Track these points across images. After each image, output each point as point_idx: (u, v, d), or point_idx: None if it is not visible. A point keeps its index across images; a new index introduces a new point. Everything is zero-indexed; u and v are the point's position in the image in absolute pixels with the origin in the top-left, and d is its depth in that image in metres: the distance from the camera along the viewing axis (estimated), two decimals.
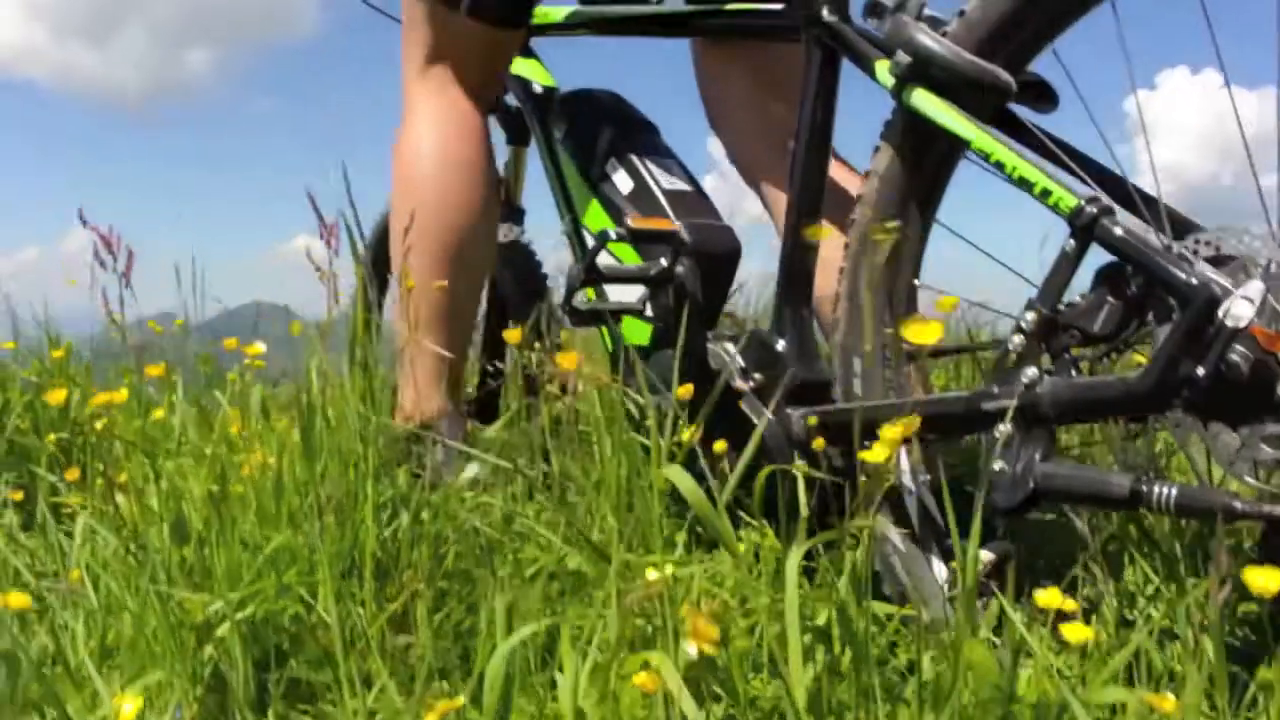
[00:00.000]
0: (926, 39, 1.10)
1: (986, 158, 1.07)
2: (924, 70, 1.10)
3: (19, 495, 1.58)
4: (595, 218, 1.60)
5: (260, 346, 1.47)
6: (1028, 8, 1.08)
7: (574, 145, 1.66)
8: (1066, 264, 1.03)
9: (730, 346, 1.35)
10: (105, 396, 1.36)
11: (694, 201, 1.55)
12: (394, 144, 1.61)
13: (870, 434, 0.88)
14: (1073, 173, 1.13)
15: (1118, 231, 0.98)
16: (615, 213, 1.55)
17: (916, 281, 1.19)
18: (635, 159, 1.57)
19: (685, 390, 1.19)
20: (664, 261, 1.37)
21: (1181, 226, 1.07)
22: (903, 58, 1.12)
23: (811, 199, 1.26)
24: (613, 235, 1.38)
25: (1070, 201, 1.01)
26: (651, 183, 1.53)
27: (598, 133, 1.62)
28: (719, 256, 1.47)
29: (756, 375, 1.29)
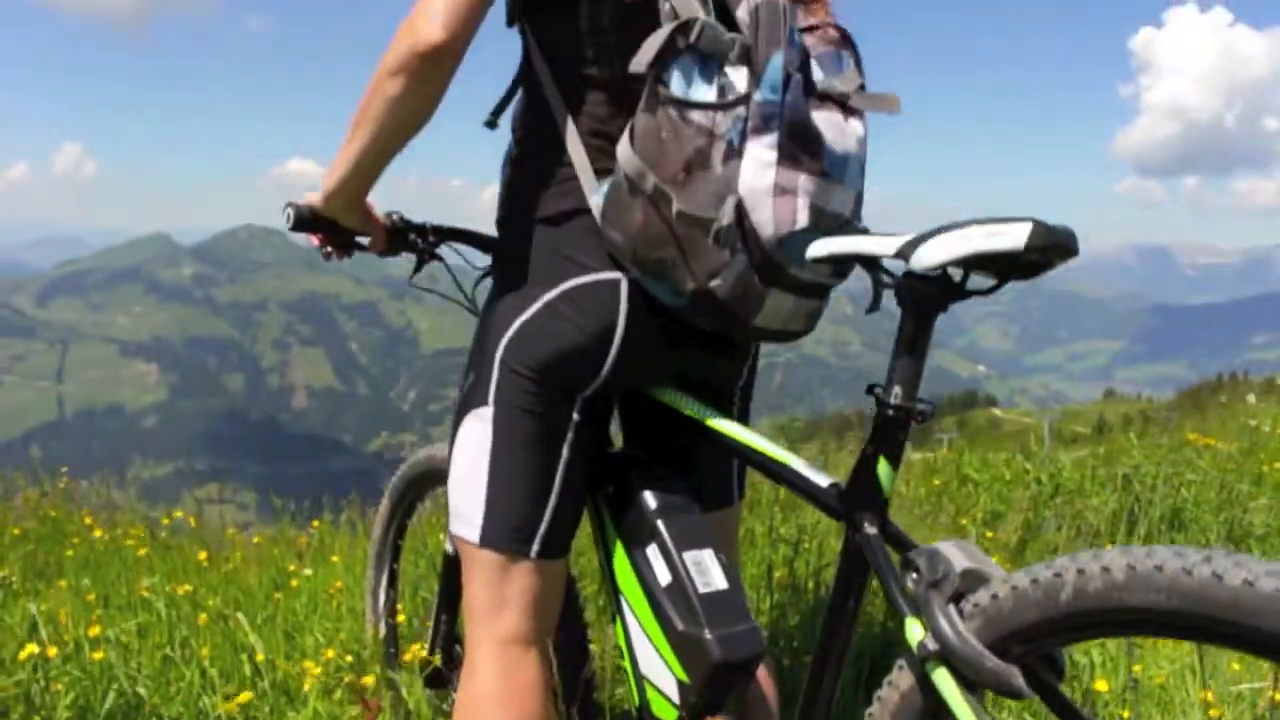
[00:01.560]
0: (952, 634, 1.20)
1: None
2: (946, 658, 1.20)
3: None
4: (635, 598, 1.66)
5: None
6: (1050, 623, 1.15)
7: (615, 511, 1.70)
8: None
9: None
10: None
11: (728, 604, 1.58)
12: (458, 695, 1.64)
13: None
14: None
15: None
16: (656, 606, 1.60)
17: None
18: (673, 549, 1.60)
19: None
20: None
21: None
22: (930, 641, 1.22)
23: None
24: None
25: None
26: (688, 582, 1.57)
27: (642, 507, 1.65)
28: (739, 665, 1.55)
29: None
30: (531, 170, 1.62)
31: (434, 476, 2.46)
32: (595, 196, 1.53)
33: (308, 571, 3.77)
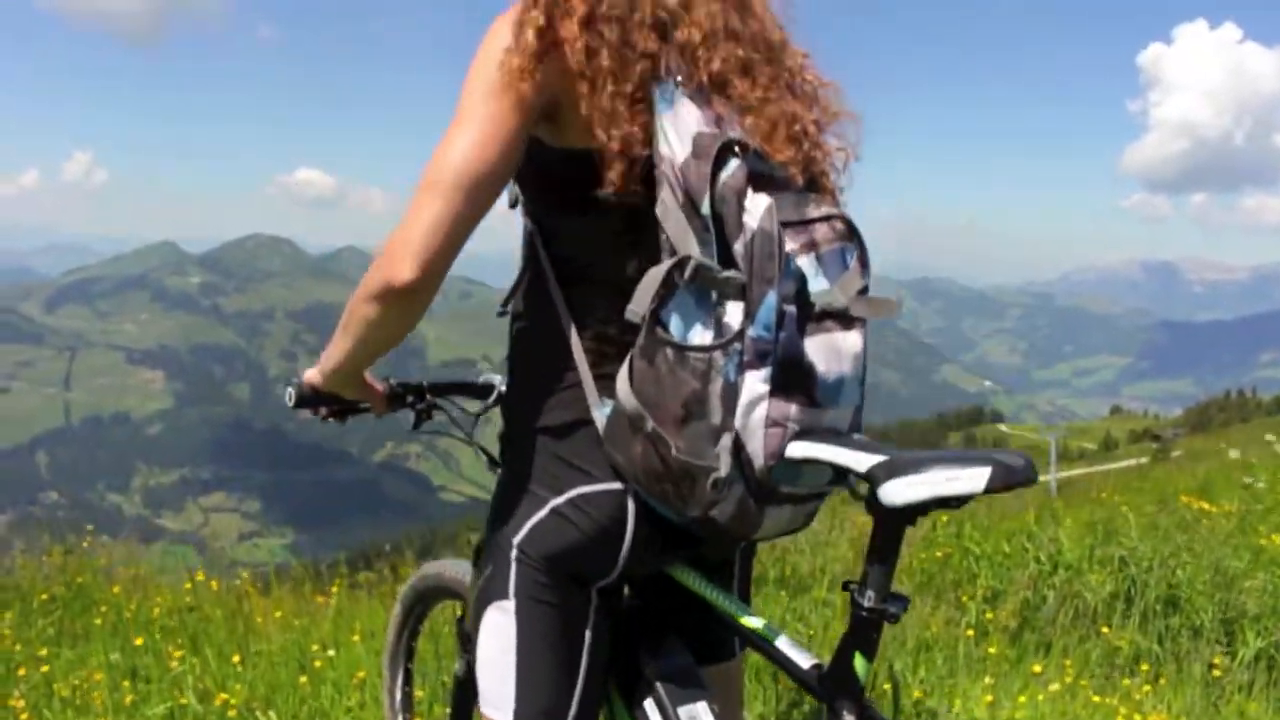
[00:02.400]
0: None
1: None
2: None
3: None
4: None
5: None
6: None
7: (614, 666, 1.74)
8: None
9: None
10: None
11: None
12: None
13: None
14: None
15: None
16: None
17: None
18: (669, 704, 1.67)
19: None
20: None
21: None
22: None
23: None
24: None
25: None
26: None
27: (640, 662, 1.72)
28: None
29: None
30: (535, 373, 1.67)
31: (442, 592, 2.54)
32: (598, 412, 1.57)
33: (330, 653, 3.91)
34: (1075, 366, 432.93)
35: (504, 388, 1.93)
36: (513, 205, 1.66)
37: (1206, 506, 5.59)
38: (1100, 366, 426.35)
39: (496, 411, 2.01)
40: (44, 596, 4.90)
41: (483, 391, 2.11)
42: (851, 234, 1.46)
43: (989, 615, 4.38)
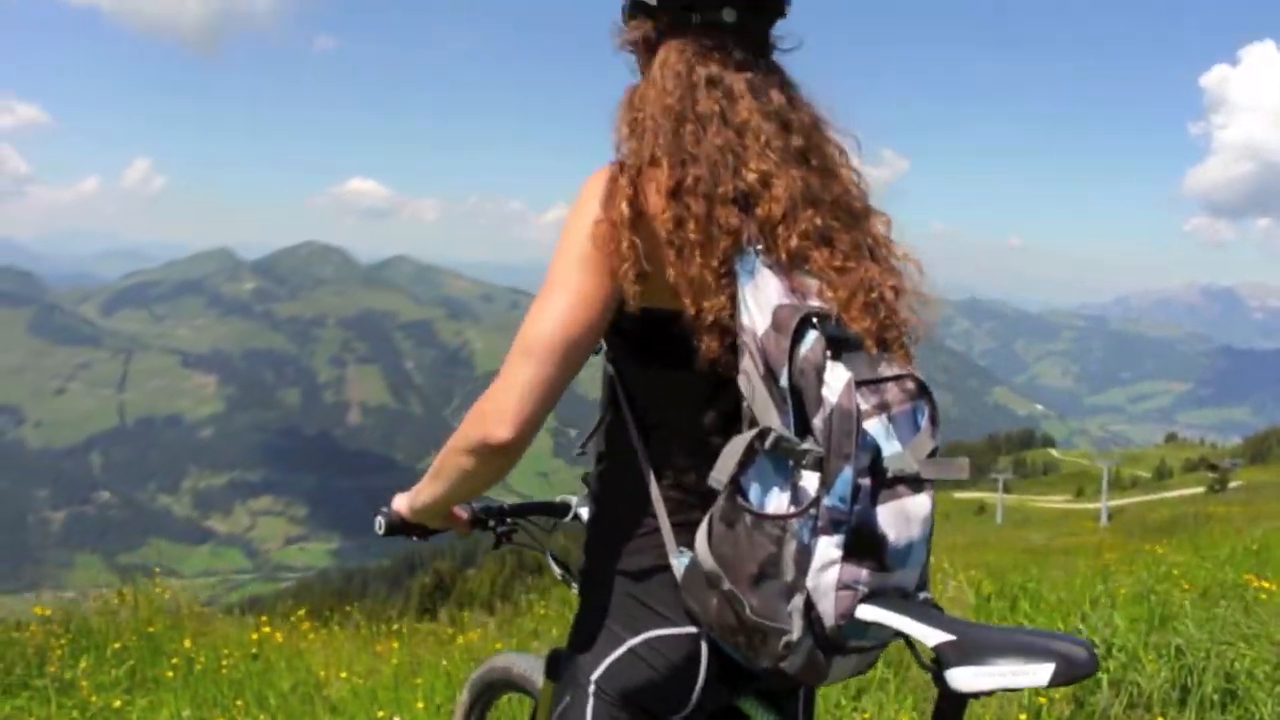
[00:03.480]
0: None
1: None
2: None
3: None
4: None
5: None
6: None
7: None
8: None
9: None
10: None
11: None
12: None
13: None
14: None
15: None
16: None
17: None
18: None
19: None
20: None
21: None
22: None
23: None
24: None
25: None
26: None
27: None
28: None
29: None
30: (615, 516, 1.73)
31: (509, 685, 2.61)
32: (676, 560, 1.62)
33: None
34: (1130, 392, 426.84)
35: (580, 509, 2.08)
36: (595, 352, 1.68)
37: (1266, 586, 5.54)
38: (1156, 392, 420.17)
39: (568, 524, 2.19)
40: (117, 645, 5.03)
41: (559, 510, 2.22)
42: (922, 392, 1.49)
43: (1042, 700, 4.39)
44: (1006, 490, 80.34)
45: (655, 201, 1.57)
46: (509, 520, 2.18)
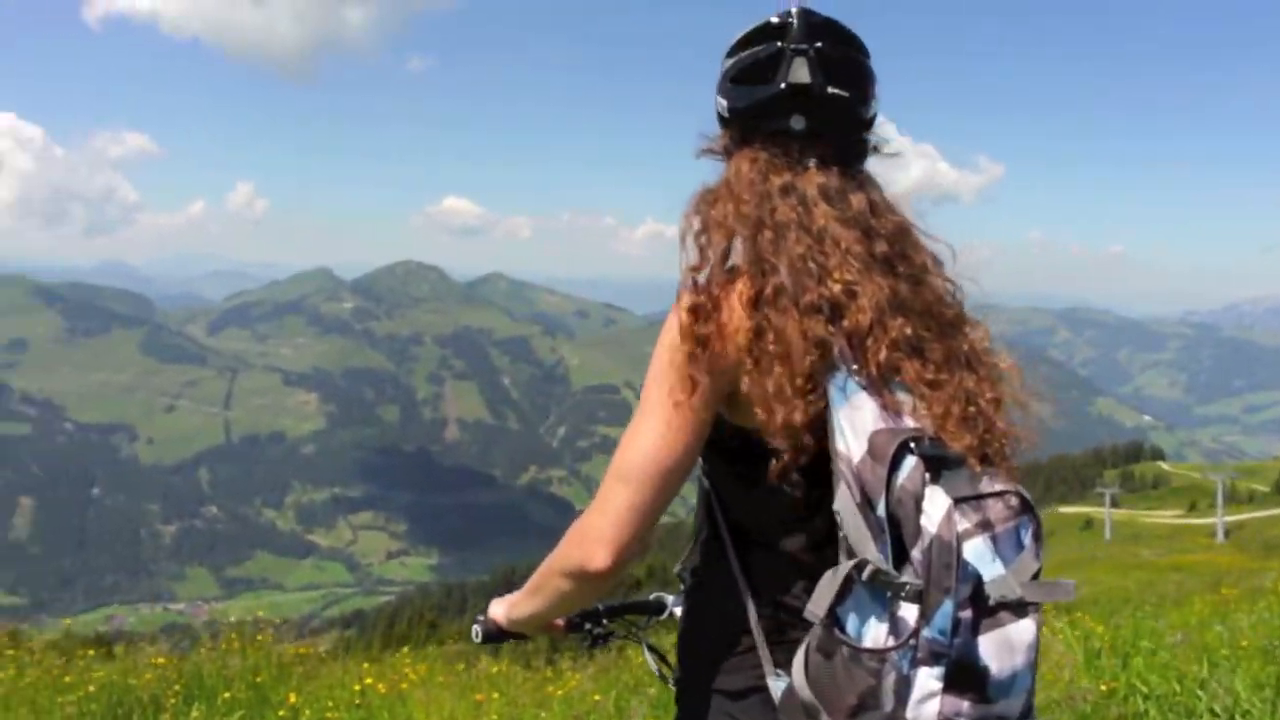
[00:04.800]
0: None
1: None
2: None
3: None
4: None
5: None
6: None
7: None
8: None
9: None
10: None
11: None
12: None
13: None
14: None
15: None
16: None
17: None
18: None
19: None
20: None
21: None
22: None
23: None
24: None
25: None
26: None
27: None
28: None
29: None
30: (712, 634, 1.70)
31: None
32: (773, 681, 1.60)
33: None
34: (1244, 402, 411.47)
35: (675, 607, 2.09)
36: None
37: None
38: (1273, 402, 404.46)
39: (663, 620, 2.19)
40: (226, 695, 5.17)
41: (655, 609, 2.20)
42: (1026, 508, 1.44)
43: None
44: (1114, 505, 78.07)
45: (736, 314, 1.55)
46: (604, 622, 2.16)
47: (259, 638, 6.05)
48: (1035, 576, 1.42)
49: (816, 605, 1.40)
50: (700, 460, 1.67)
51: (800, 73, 1.62)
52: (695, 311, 1.55)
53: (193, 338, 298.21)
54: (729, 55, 1.70)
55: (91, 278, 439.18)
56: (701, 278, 1.60)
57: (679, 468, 1.57)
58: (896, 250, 1.62)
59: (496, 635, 1.95)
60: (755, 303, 1.54)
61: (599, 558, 1.55)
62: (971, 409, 1.51)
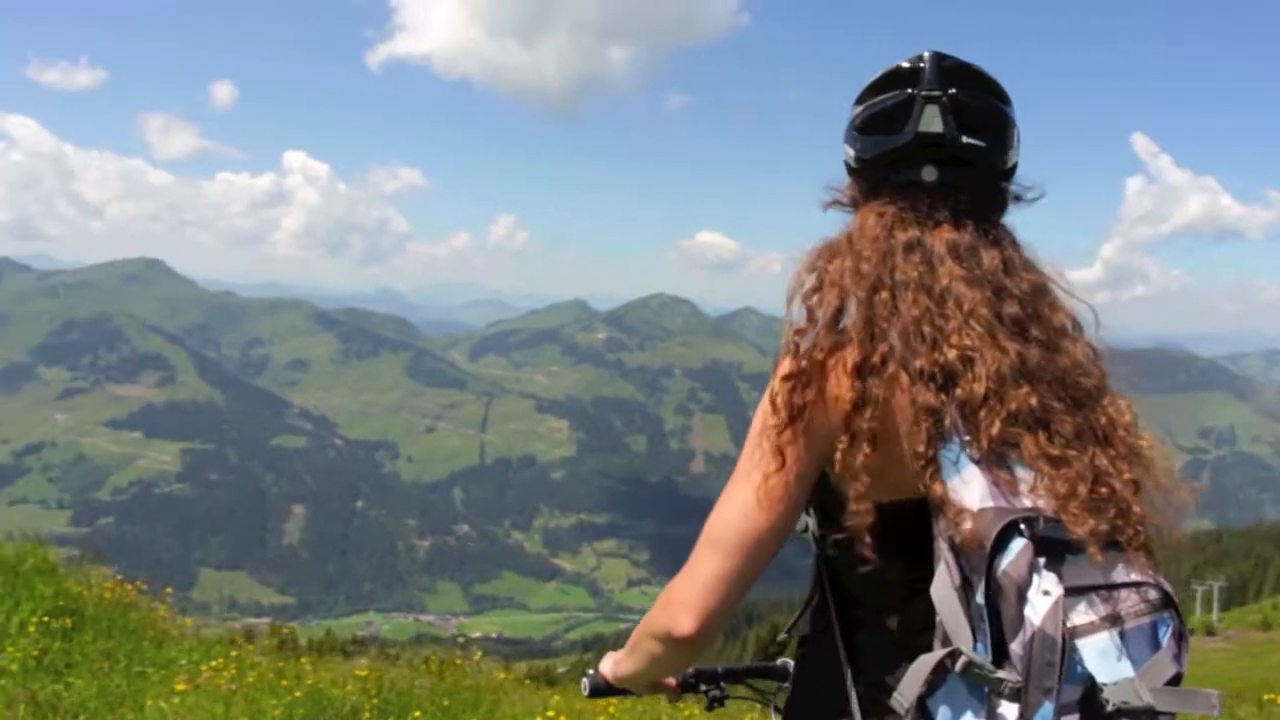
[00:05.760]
0: None
1: None
2: None
3: None
4: None
5: None
6: None
7: None
8: None
9: None
10: None
11: None
12: None
13: None
14: None
15: None
16: None
17: None
18: None
19: None
20: None
21: None
22: None
23: None
24: None
25: None
26: None
27: None
28: None
29: None
30: (812, 705, 1.66)
31: None
32: None
33: None
34: None
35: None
36: (802, 532, 1.63)
37: None
38: None
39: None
40: (417, 714, 5.51)
41: (779, 674, 2.13)
42: (1167, 603, 1.28)
43: None
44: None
45: (841, 382, 1.48)
46: (723, 685, 2.09)
47: (457, 661, 6.68)
48: (1174, 682, 1.25)
49: (904, 694, 1.33)
50: (809, 522, 1.63)
51: (932, 121, 1.53)
52: (793, 380, 1.50)
53: (454, 363, 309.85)
54: (857, 102, 1.62)
55: (365, 303, 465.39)
56: (806, 342, 1.53)
57: (768, 538, 1.51)
58: (1030, 312, 1.50)
59: (604, 690, 1.92)
60: (860, 371, 1.46)
61: (684, 623, 1.51)
62: (1103, 489, 1.36)
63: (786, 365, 1.51)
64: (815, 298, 1.55)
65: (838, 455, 1.46)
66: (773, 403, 1.50)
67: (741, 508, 1.50)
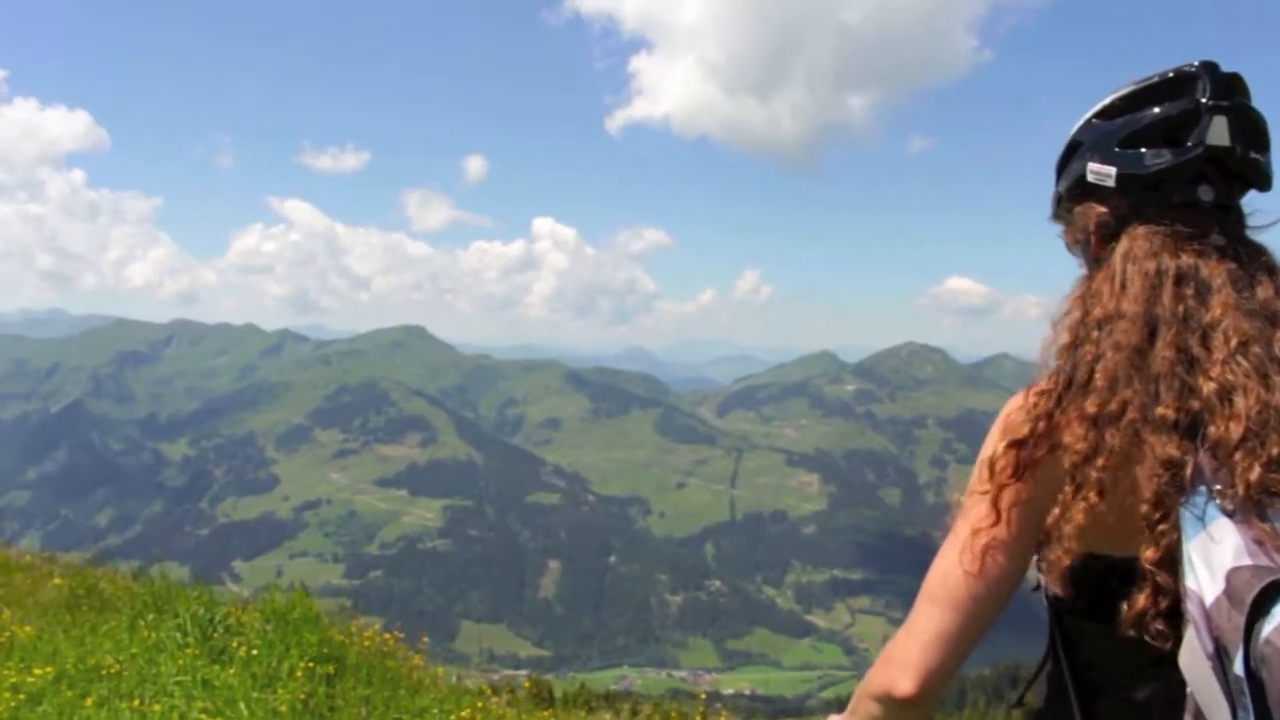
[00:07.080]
0: None
1: None
2: None
3: None
4: None
5: None
6: None
7: None
8: None
9: None
10: None
11: None
12: None
13: None
14: None
15: None
16: None
17: None
18: None
19: None
20: None
21: None
22: None
23: None
24: None
25: None
26: None
27: None
28: None
29: None
30: None
31: None
32: None
33: None
34: None
35: None
36: (1035, 589, 1.55)
37: None
38: None
39: None
40: None
41: None
42: None
43: None
44: None
45: (1075, 432, 1.38)
46: None
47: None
48: None
49: None
50: (1043, 582, 1.52)
51: (1220, 134, 1.38)
52: (1024, 424, 1.42)
53: (703, 419, 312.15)
54: (1118, 114, 1.47)
55: (614, 362, 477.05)
56: (1044, 402, 1.43)
57: (989, 595, 1.44)
58: None
59: None
60: (1095, 420, 1.36)
61: (903, 684, 1.44)
62: None
63: (1019, 426, 1.42)
64: (1070, 355, 1.44)
65: (1058, 506, 1.38)
66: (993, 464, 1.43)
67: (953, 565, 1.44)
